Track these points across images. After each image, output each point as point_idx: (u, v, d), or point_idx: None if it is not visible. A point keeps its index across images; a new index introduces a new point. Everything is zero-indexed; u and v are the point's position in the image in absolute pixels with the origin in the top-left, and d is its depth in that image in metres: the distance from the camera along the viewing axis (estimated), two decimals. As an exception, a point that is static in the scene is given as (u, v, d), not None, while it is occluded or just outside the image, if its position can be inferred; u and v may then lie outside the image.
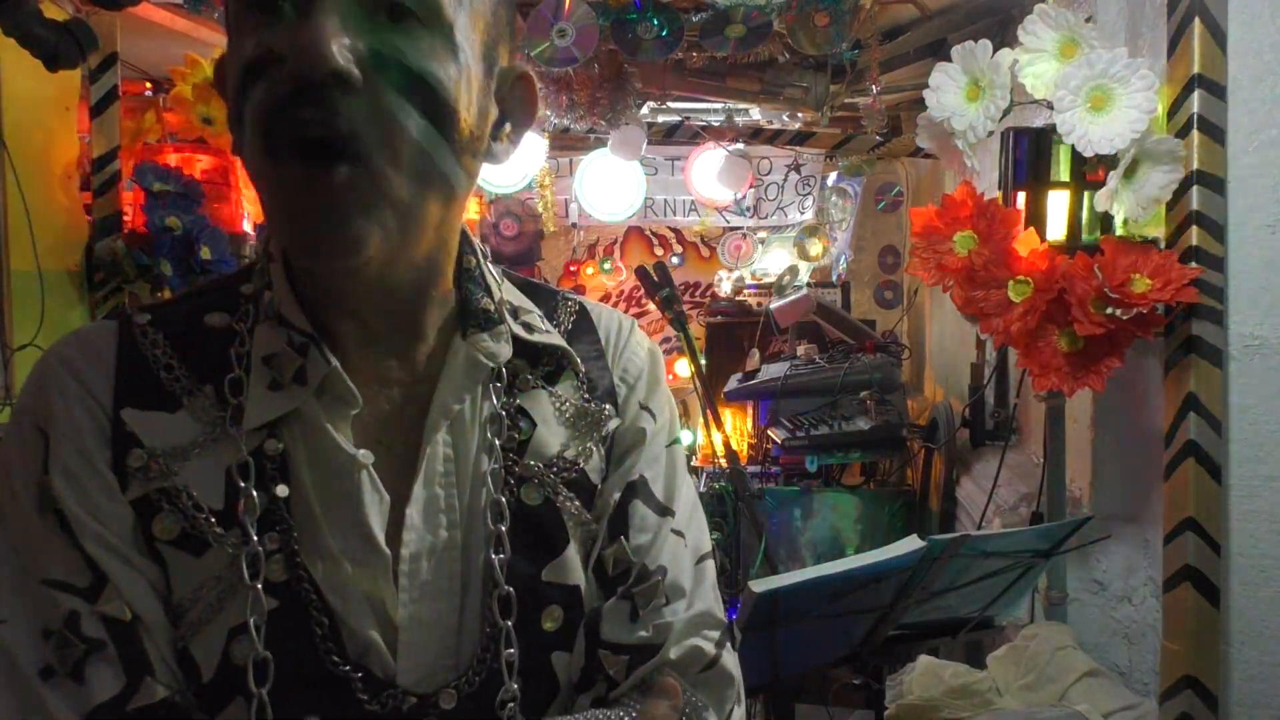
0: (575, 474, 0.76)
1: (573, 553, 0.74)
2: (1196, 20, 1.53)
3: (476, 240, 0.78)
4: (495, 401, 0.74)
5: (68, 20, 1.83)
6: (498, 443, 0.73)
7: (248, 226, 2.61)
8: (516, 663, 0.70)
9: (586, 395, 0.79)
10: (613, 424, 0.79)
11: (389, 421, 0.72)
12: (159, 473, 0.66)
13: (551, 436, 0.76)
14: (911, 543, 1.47)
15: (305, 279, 0.71)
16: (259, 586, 0.65)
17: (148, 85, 2.86)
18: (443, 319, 0.75)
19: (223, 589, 0.65)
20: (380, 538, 0.67)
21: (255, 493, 0.66)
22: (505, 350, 0.75)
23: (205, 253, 2.31)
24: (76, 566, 0.64)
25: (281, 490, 0.67)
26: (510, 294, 0.80)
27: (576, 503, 0.75)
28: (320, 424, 0.68)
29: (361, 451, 0.68)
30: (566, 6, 2.42)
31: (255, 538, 0.65)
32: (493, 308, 0.76)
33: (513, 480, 0.73)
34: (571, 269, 5.48)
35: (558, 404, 0.77)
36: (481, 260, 0.78)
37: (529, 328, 0.78)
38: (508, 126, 0.74)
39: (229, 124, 0.68)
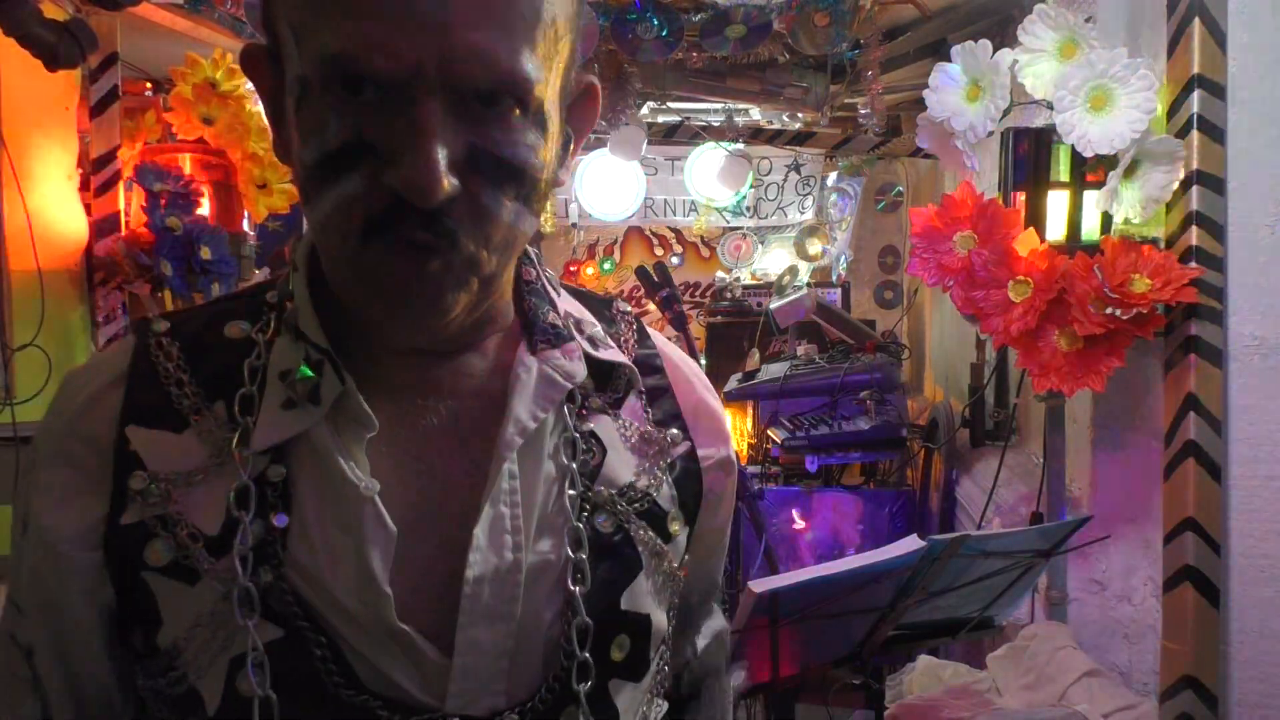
0: (647, 504, 0.74)
1: (644, 581, 0.72)
2: (1196, 20, 1.53)
3: (531, 249, 0.75)
4: (569, 423, 0.71)
5: (68, 20, 1.83)
6: (574, 467, 0.70)
7: (248, 226, 2.61)
8: (586, 694, 0.68)
9: (650, 419, 0.77)
10: (680, 449, 0.77)
11: (442, 434, 0.69)
12: (159, 498, 0.65)
13: (621, 464, 0.74)
14: (911, 543, 1.47)
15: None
16: (252, 625, 0.62)
17: (148, 85, 2.86)
18: (500, 332, 0.72)
19: (221, 620, 0.63)
20: (383, 578, 0.63)
21: (250, 524, 0.63)
22: (580, 369, 0.72)
23: (205, 253, 2.31)
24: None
25: (279, 520, 0.64)
26: (570, 305, 0.77)
27: (649, 531, 0.73)
28: (329, 450, 0.65)
29: (365, 483, 0.64)
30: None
31: (246, 572, 0.63)
32: (560, 323, 0.73)
33: (588, 506, 0.71)
34: (571, 269, 5.47)
35: (624, 430, 0.75)
36: (540, 271, 0.76)
37: (593, 342, 0.75)
38: (572, 145, 0.72)
39: (272, 123, 0.66)
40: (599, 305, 0.81)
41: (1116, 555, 1.88)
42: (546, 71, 0.62)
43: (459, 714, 0.65)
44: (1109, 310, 1.54)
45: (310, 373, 0.65)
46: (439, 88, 0.58)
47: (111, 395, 0.67)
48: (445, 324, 0.64)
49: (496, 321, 0.72)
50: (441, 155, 0.57)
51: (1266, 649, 1.55)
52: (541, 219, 4.64)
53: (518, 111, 0.60)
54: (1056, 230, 1.73)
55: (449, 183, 0.58)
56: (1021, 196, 1.74)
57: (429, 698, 0.65)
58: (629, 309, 0.83)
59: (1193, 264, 1.54)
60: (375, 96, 0.58)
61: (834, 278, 4.75)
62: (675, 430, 0.77)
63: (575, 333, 0.74)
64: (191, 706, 0.64)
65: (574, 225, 4.84)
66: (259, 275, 2.56)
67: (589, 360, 0.73)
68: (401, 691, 0.64)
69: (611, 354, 0.75)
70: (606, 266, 5.53)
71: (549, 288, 0.76)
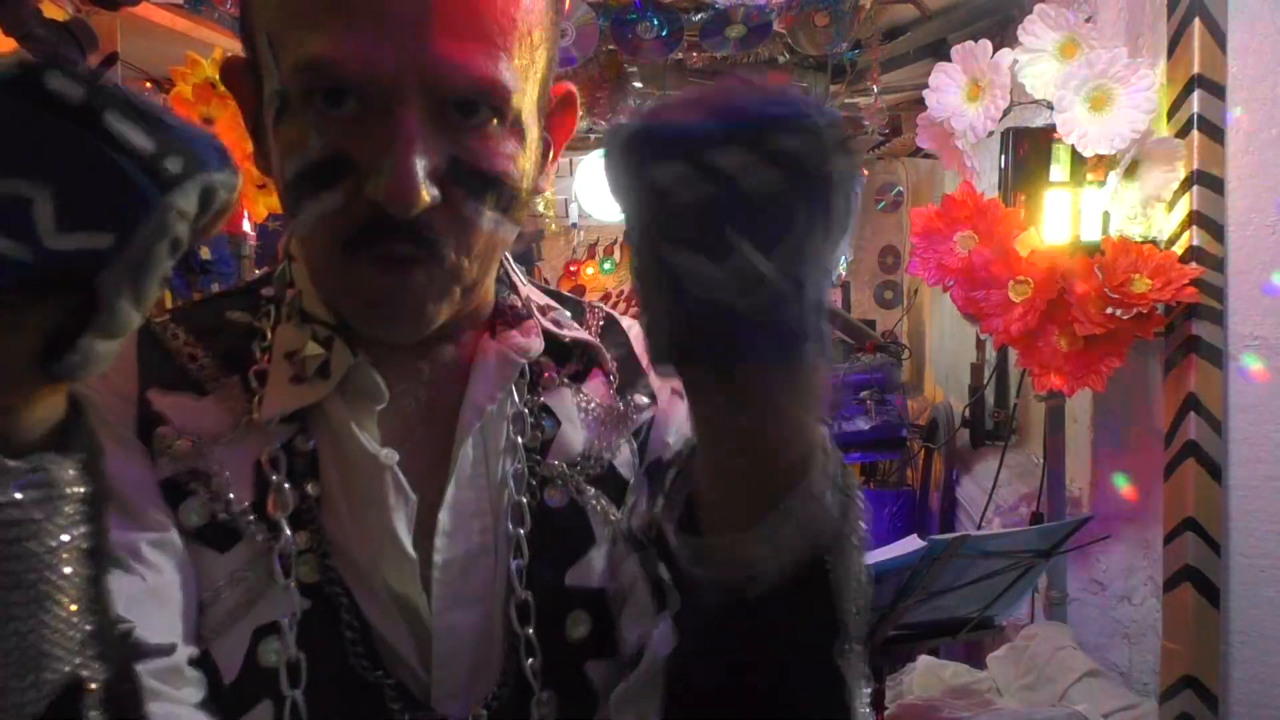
0: (602, 469, 0.73)
1: (598, 554, 0.71)
2: (1196, 20, 1.53)
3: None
4: (518, 399, 0.72)
5: (68, 20, 1.83)
6: (520, 442, 0.71)
7: (248, 226, 2.61)
8: (540, 672, 0.67)
9: (615, 393, 0.76)
10: (645, 415, 0.76)
11: (417, 420, 0.70)
12: (190, 453, 0.63)
13: (576, 435, 0.73)
14: (911, 543, 1.47)
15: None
16: (292, 585, 0.63)
17: (148, 85, 2.86)
18: (474, 320, 0.73)
19: (248, 587, 0.63)
20: (407, 541, 0.65)
21: (287, 487, 0.64)
22: (537, 344, 0.72)
23: (205, 253, 2.31)
24: None
25: (313, 489, 0.65)
26: (534, 294, 0.78)
27: (604, 500, 0.73)
28: (344, 421, 0.66)
29: (385, 451, 0.65)
30: (566, 6, 2.43)
31: (289, 533, 0.63)
32: (520, 304, 0.74)
33: (535, 481, 0.71)
34: (571, 269, 5.47)
35: (584, 403, 0.75)
36: (506, 260, 0.77)
37: (557, 323, 0.76)
38: (551, 153, 0.72)
39: (252, 137, 0.66)
40: (567, 300, 0.81)
41: (1116, 555, 1.88)
42: (523, 81, 0.62)
43: (443, 706, 0.66)
44: (1109, 310, 1.54)
45: (321, 349, 0.66)
46: (417, 96, 0.57)
47: (126, 361, 0.66)
48: (428, 331, 0.65)
49: (476, 316, 0.73)
50: (420, 166, 0.57)
51: (1266, 649, 1.55)
52: (542, 219, 4.62)
53: (495, 121, 0.61)
54: (1056, 230, 1.73)
55: (428, 193, 0.57)
56: (1021, 196, 1.74)
57: (428, 678, 0.66)
58: (601, 307, 0.83)
59: (1193, 264, 1.54)
60: (354, 108, 0.58)
61: (834, 278, 4.75)
62: (642, 396, 0.77)
63: (537, 314, 0.75)
64: (204, 673, 0.62)
65: (574, 225, 4.84)
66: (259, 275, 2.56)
67: (552, 339, 0.74)
68: (408, 673, 0.65)
69: (574, 333, 0.76)
70: (606, 266, 5.52)
71: (512, 275, 0.77)
